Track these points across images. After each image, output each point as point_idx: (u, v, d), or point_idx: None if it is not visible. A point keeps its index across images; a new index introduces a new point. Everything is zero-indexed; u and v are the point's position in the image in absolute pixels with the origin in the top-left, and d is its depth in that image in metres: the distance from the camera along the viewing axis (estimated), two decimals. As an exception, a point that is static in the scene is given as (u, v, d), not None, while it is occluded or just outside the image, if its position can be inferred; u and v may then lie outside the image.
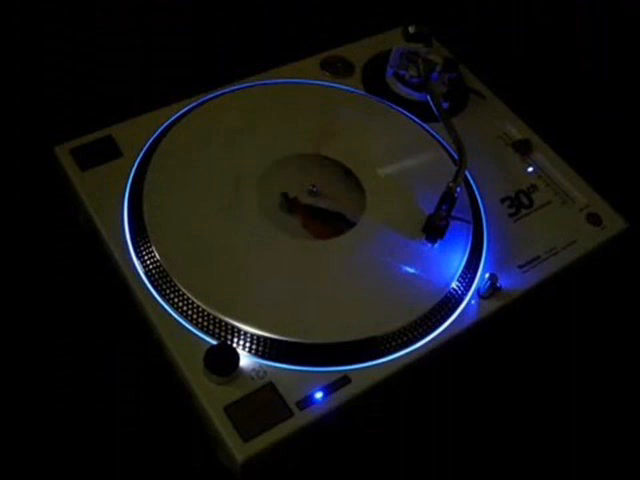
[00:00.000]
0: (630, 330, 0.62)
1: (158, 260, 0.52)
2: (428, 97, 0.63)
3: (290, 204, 0.57)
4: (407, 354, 0.51)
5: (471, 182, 0.61)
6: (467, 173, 0.60)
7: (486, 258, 0.57)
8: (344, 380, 0.49)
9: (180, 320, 0.50)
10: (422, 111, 0.65)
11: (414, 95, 0.66)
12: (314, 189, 0.57)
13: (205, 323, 0.50)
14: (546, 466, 0.54)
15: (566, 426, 0.56)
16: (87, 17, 0.69)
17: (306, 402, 0.47)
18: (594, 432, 0.56)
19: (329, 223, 0.56)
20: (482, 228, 0.58)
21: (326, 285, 0.53)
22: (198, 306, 0.50)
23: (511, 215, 0.60)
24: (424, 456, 0.54)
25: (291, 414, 0.47)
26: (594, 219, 0.61)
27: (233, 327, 0.49)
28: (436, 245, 0.56)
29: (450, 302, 0.54)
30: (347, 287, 0.53)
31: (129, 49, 0.73)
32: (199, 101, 0.63)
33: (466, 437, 0.55)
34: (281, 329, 0.50)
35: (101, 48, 0.72)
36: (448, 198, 0.55)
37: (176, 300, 0.50)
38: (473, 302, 0.54)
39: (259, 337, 0.49)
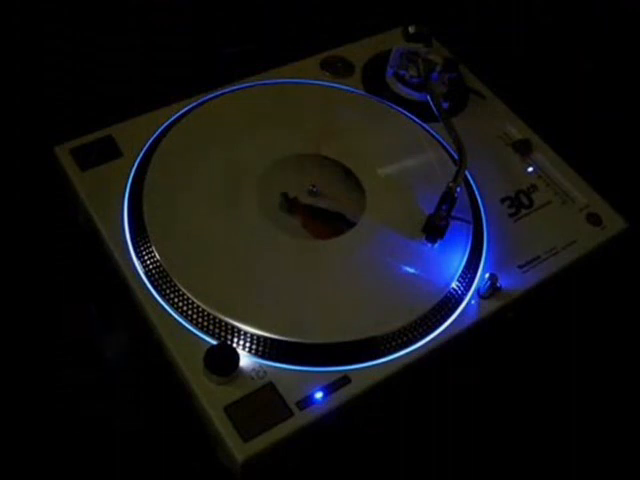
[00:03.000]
0: (630, 330, 0.62)
1: (158, 260, 0.52)
2: (428, 97, 0.63)
3: (290, 204, 0.56)
4: (407, 354, 0.51)
5: (471, 182, 0.61)
6: (467, 173, 0.60)
7: (486, 258, 0.56)
8: (344, 380, 0.49)
9: (180, 320, 0.50)
10: (422, 111, 0.65)
11: (414, 95, 0.66)
12: (314, 189, 0.57)
13: (205, 323, 0.50)
14: (546, 466, 0.54)
15: (566, 426, 0.56)
16: (87, 17, 0.69)
17: (306, 402, 0.47)
18: (594, 432, 0.56)
19: (329, 223, 0.56)
20: (482, 228, 0.58)
21: (326, 285, 0.53)
22: (198, 306, 0.50)
23: (511, 215, 0.60)
24: (424, 456, 0.54)
25: (291, 414, 0.47)
26: (594, 219, 0.61)
27: (233, 327, 0.49)
28: (436, 245, 0.56)
29: (450, 302, 0.54)
30: (347, 287, 0.53)
31: (129, 49, 0.72)
32: (199, 101, 0.63)
33: (466, 437, 0.55)
34: (281, 329, 0.49)
35: (101, 48, 0.72)
36: (448, 198, 0.55)
37: (176, 300, 0.50)
38: (473, 302, 0.54)
39: (259, 337, 0.49)
